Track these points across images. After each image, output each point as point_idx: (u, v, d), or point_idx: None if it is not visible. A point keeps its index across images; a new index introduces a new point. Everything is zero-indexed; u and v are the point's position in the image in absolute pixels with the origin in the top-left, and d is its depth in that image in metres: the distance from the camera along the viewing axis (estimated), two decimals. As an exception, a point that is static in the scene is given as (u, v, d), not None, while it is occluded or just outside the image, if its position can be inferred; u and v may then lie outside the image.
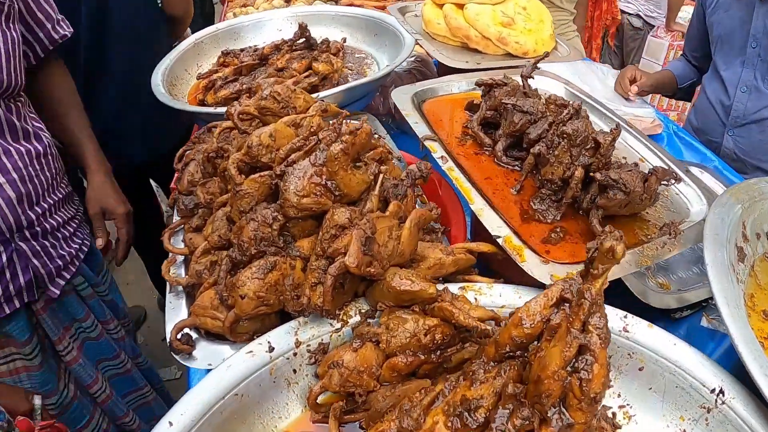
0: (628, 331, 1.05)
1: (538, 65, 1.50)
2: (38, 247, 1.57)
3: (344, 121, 1.13)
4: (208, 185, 1.30)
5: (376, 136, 1.53)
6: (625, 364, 1.05)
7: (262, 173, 1.13)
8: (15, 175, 1.50)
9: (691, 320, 1.49)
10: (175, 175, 1.45)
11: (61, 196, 1.68)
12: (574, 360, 0.82)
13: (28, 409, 1.57)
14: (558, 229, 1.23)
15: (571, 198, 1.24)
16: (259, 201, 1.15)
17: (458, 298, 1.07)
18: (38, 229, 1.58)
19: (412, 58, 2.06)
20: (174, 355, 1.10)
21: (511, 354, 0.94)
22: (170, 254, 1.27)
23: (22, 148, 1.53)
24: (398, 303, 1.06)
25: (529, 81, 1.49)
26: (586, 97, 1.62)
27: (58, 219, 1.66)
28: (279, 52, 1.82)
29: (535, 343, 0.92)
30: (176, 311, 1.18)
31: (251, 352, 1.03)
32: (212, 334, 1.14)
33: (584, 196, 1.26)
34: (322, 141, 1.10)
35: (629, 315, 1.07)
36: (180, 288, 1.24)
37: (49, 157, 1.63)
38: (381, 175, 1.11)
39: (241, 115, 1.24)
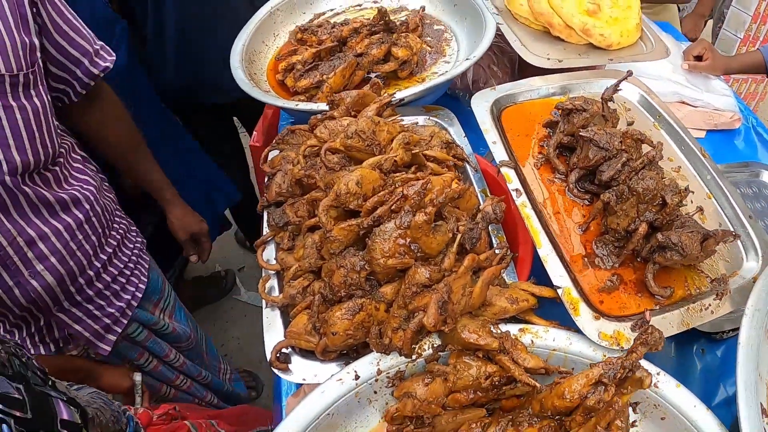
0: (657, 387, 1.27)
1: (615, 72, 1.59)
2: (80, 314, 1.52)
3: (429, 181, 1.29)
4: (296, 206, 1.51)
5: (452, 140, 1.68)
6: (650, 412, 1.30)
7: (350, 222, 1.34)
8: (53, 259, 1.40)
9: (731, 341, 1.71)
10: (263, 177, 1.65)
11: (111, 250, 1.60)
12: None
13: (130, 386, 1.72)
14: (614, 277, 1.43)
15: (631, 250, 1.42)
16: (348, 245, 1.37)
17: (516, 345, 1.32)
18: (80, 297, 1.52)
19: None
20: (273, 370, 1.39)
21: (551, 416, 1.22)
22: (264, 271, 1.52)
23: (60, 225, 1.42)
24: (465, 347, 1.32)
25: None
26: (662, 110, 1.71)
27: (107, 278, 1.60)
28: (357, 35, 1.90)
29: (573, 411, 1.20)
30: (273, 327, 1.45)
31: (341, 380, 1.32)
32: (305, 350, 1.43)
33: (644, 244, 1.43)
34: (406, 201, 1.29)
35: (662, 372, 1.29)
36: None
37: (94, 220, 1.52)
38: (459, 235, 1.31)
39: (329, 151, 1.41)
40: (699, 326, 1.67)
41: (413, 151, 1.48)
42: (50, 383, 1.20)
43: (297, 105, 1.75)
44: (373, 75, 1.90)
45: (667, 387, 1.27)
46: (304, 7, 2.28)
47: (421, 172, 1.49)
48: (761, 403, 1.17)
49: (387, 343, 1.31)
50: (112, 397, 1.78)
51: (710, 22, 3.63)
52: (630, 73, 1.62)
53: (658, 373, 1.27)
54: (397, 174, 1.43)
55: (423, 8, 2.18)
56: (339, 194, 1.35)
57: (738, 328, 1.72)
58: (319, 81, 1.80)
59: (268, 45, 2.14)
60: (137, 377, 1.77)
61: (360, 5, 2.30)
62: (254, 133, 2.13)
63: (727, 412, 1.26)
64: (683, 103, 2.13)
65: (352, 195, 1.35)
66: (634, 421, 1.33)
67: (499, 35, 1.96)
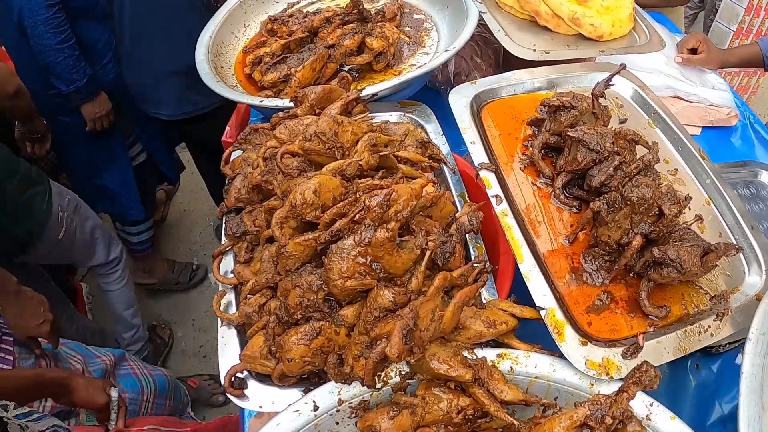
0: (650, 420, 1.06)
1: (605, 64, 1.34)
2: None
3: (393, 194, 1.06)
4: (255, 213, 1.29)
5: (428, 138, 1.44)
6: None
7: (306, 237, 1.12)
8: None
9: (727, 356, 1.49)
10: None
11: None
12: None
13: (105, 402, 1.56)
14: (604, 295, 1.21)
15: (624, 266, 1.19)
16: (305, 261, 1.15)
17: (493, 375, 1.10)
18: None
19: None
20: (229, 396, 1.18)
21: (533, 461, 1.00)
22: (220, 285, 1.30)
23: None
24: (435, 378, 1.09)
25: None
26: (657, 107, 1.47)
27: None
28: (329, 25, 1.65)
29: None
30: (228, 348, 1.25)
31: (298, 411, 1.11)
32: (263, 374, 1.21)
33: (637, 259, 1.20)
34: (368, 214, 1.05)
35: (655, 403, 1.08)
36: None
37: None
38: (428, 253, 1.07)
39: (286, 154, 1.18)
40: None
41: (382, 153, 1.24)
42: None
43: (261, 101, 1.52)
44: (346, 68, 1.66)
45: (662, 419, 1.06)
46: None
47: (390, 176, 1.25)
48: (762, 433, 0.98)
49: (348, 372, 1.10)
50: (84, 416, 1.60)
51: (701, 14, 3.35)
52: (623, 67, 1.38)
53: (651, 404, 1.07)
54: (363, 180, 1.19)
55: (403, -4, 1.92)
56: (294, 205, 1.12)
57: (737, 341, 1.51)
58: (287, 75, 1.56)
59: (237, 36, 1.90)
60: (114, 393, 1.61)
61: (337, -7, 2.02)
62: (227, 128, 1.89)
63: (722, 430, 1.05)
64: (677, 98, 1.89)
65: (309, 205, 1.13)
66: (626, 454, 1.12)
67: (483, 25, 1.72)
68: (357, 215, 1.10)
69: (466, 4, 1.70)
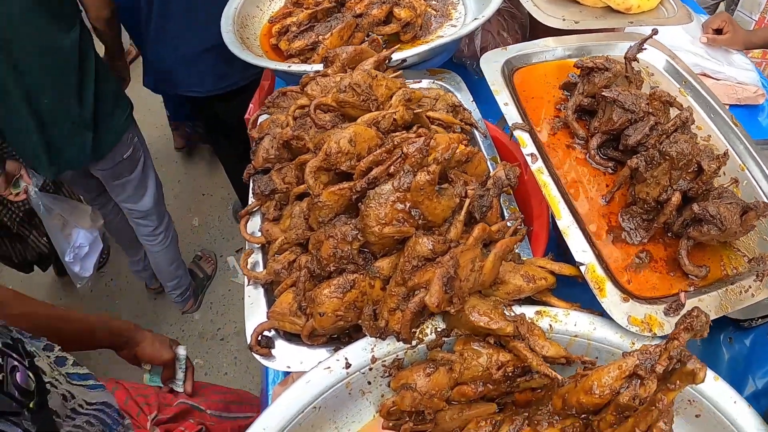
0: None
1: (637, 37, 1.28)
2: None
3: (432, 138, 0.99)
4: (284, 171, 1.23)
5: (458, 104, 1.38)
6: (684, 408, 1.03)
7: (341, 186, 1.05)
8: None
9: (760, 330, 1.42)
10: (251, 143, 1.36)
11: None
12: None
13: (171, 358, 1.49)
14: (643, 254, 1.15)
15: (663, 223, 1.13)
16: (338, 213, 1.08)
17: (533, 331, 1.03)
18: None
19: (502, -4, 1.80)
20: (255, 355, 1.10)
21: (575, 414, 0.92)
22: (247, 244, 1.23)
23: None
24: (474, 332, 1.02)
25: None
26: (689, 75, 1.41)
27: None
28: (357, -5, 1.61)
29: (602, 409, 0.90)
30: (255, 306, 1.18)
31: (329, 368, 1.04)
32: (291, 333, 1.13)
33: (676, 218, 1.14)
34: (406, 161, 0.99)
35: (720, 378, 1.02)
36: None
37: None
38: (467, 201, 1.01)
39: (319, 107, 1.12)
40: (729, 312, 1.40)
41: (415, 110, 1.19)
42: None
43: (290, 67, 1.46)
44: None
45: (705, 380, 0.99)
46: None
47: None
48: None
49: (383, 326, 1.03)
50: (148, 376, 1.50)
51: (722, 5, 3.31)
52: (656, 32, 1.32)
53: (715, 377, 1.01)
54: (397, 134, 1.13)
55: (428, -30, 1.87)
56: (329, 154, 1.06)
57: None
58: (314, 42, 1.51)
59: (262, 10, 1.85)
60: (181, 350, 1.52)
61: (361, -32, 1.97)
62: (250, 106, 1.84)
63: (756, 407, 0.99)
64: (704, 75, 1.83)
65: (344, 154, 1.07)
66: (665, 419, 1.04)
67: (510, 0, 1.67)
68: (394, 164, 1.04)
69: (493, -24, 1.65)
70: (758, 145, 1.67)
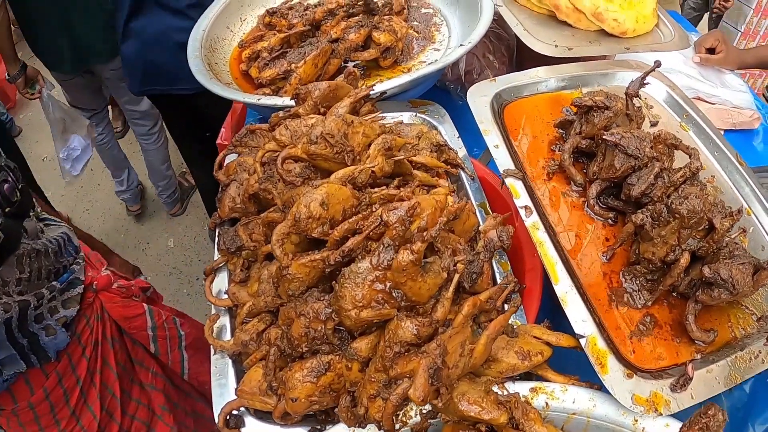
0: None
1: (634, 65, 1.11)
2: None
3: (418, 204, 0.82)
4: (251, 226, 1.05)
5: (442, 141, 1.21)
6: None
7: (313, 257, 0.89)
8: None
9: (762, 374, 1.28)
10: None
11: None
12: None
13: None
14: (647, 319, 0.99)
15: (669, 286, 0.97)
16: (310, 285, 0.91)
17: (528, 414, 0.88)
18: None
19: (488, 15, 1.61)
20: (224, 438, 0.94)
21: None
22: (213, 307, 1.05)
23: None
24: (464, 419, 0.87)
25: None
26: (690, 108, 1.25)
27: None
28: (333, 18, 1.40)
29: None
30: (222, 380, 1.01)
31: (303, 455, 0.88)
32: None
33: (683, 278, 0.98)
34: (386, 232, 0.82)
35: None
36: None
37: None
38: (456, 276, 0.84)
39: (287, 161, 0.94)
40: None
41: (396, 158, 1.01)
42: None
43: (259, 99, 1.27)
44: (351, 64, 1.41)
45: None
46: None
47: (407, 185, 1.01)
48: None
49: (362, 414, 0.87)
50: None
51: (705, 15, 3.14)
52: (658, 64, 1.16)
53: None
54: (376, 189, 0.96)
55: (410, -11, 1.68)
56: (298, 219, 0.89)
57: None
58: (286, 71, 1.32)
59: (233, 31, 1.65)
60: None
61: (338, -14, 1.77)
62: (222, 130, 1.64)
63: None
64: (699, 99, 1.67)
65: (315, 220, 0.89)
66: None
67: (496, 20, 1.48)
68: (372, 231, 0.86)
69: (480, -1, 1.47)
70: (757, 173, 1.54)
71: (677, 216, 0.96)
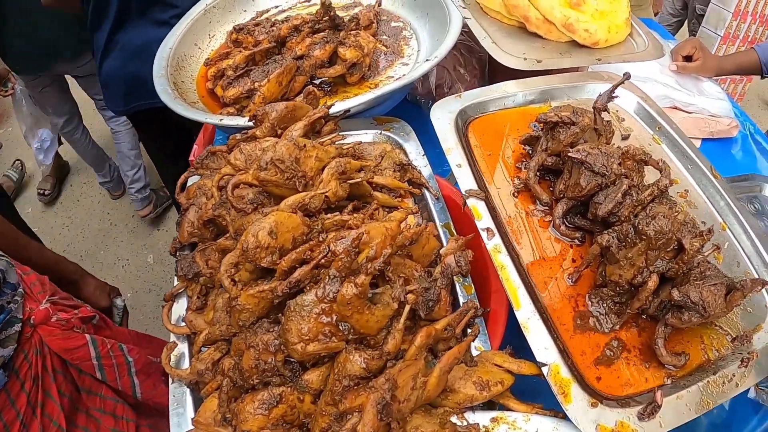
0: None
1: (605, 75, 1.06)
2: None
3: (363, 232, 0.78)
4: (208, 252, 1.01)
5: (408, 159, 1.17)
6: None
7: (261, 288, 0.85)
8: None
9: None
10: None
11: None
12: None
13: (107, 305, 1.53)
14: (615, 343, 0.95)
15: (637, 309, 0.92)
16: (261, 316, 0.87)
17: (489, 447, 0.82)
18: None
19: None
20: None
21: None
22: (171, 335, 1.01)
23: None
24: (419, 454, 0.82)
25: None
26: (662, 119, 1.20)
27: None
28: (298, 34, 1.36)
29: None
30: (180, 408, 0.97)
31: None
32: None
33: (651, 301, 0.93)
34: (332, 264, 0.78)
35: None
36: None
37: None
38: (407, 307, 0.80)
39: (236, 188, 0.89)
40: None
41: (352, 181, 0.96)
42: None
43: (221, 120, 1.23)
44: (317, 81, 1.37)
45: None
46: (244, 4, 1.72)
47: (363, 208, 0.97)
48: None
49: (315, 449, 0.82)
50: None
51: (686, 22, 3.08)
52: (628, 76, 1.11)
53: None
54: (329, 216, 0.92)
55: (379, 3, 1.65)
56: (246, 249, 0.85)
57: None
58: (250, 90, 1.27)
59: (201, 48, 1.61)
60: (119, 301, 1.61)
61: (309, 1, 1.74)
62: (194, 147, 1.60)
63: None
64: (675, 108, 1.62)
65: (264, 249, 0.85)
66: None
67: (467, 32, 1.44)
68: (320, 261, 0.82)
69: (449, 10, 1.42)
70: (733, 181, 1.48)
71: (644, 237, 0.91)
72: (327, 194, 0.93)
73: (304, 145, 0.95)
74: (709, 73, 1.73)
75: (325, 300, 0.79)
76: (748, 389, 1.25)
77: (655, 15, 2.44)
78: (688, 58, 1.74)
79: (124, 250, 3.24)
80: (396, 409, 0.78)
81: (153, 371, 1.37)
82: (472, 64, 1.56)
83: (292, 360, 0.88)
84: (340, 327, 0.79)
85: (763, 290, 1.07)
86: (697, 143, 1.64)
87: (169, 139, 2.29)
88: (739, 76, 2.49)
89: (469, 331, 0.96)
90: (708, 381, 0.92)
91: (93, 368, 1.25)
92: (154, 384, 1.36)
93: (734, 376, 0.93)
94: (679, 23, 3.22)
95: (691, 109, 1.60)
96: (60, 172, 3.70)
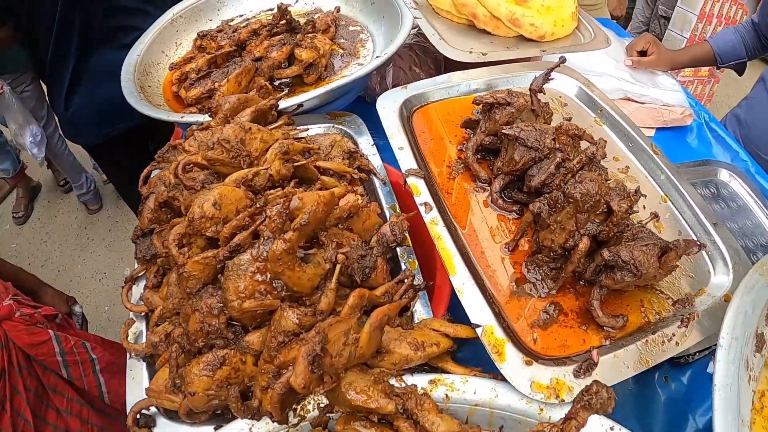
0: None
1: (551, 75, 1.16)
2: None
3: (295, 197, 0.86)
4: (164, 234, 1.09)
5: (357, 149, 1.26)
6: None
7: (206, 254, 0.92)
8: None
9: (697, 365, 1.27)
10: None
11: None
12: None
13: (66, 311, 1.61)
14: (551, 307, 1.00)
15: (572, 272, 0.99)
16: (206, 283, 0.94)
17: (423, 405, 0.88)
18: None
19: (414, 31, 1.68)
20: (133, 439, 0.97)
21: None
22: (130, 312, 1.09)
23: None
24: (355, 411, 0.88)
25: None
26: (605, 103, 1.29)
27: None
28: (257, 38, 1.48)
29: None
30: (136, 381, 1.04)
31: (202, 453, 0.89)
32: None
33: (587, 264, 1.00)
34: (267, 227, 0.86)
35: (616, 426, 0.86)
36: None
37: None
38: (338, 267, 0.87)
39: (186, 167, 0.98)
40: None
41: (297, 163, 1.05)
42: None
43: (182, 117, 1.33)
44: (276, 82, 1.48)
45: None
46: (210, 13, 1.85)
47: (305, 187, 1.05)
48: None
49: (256, 407, 0.88)
50: None
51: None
52: (563, 60, 1.20)
53: (611, 428, 0.86)
54: (273, 192, 1.00)
55: (338, 9, 1.76)
56: (192, 219, 0.93)
57: (707, 349, 1.30)
58: (210, 90, 1.38)
59: (168, 55, 1.72)
60: (77, 308, 1.72)
61: (272, 10, 1.85)
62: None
63: None
64: (628, 99, 1.71)
65: (209, 219, 0.93)
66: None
67: (422, 34, 1.55)
68: (259, 226, 0.90)
69: (401, 11, 1.53)
70: (689, 167, 1.56)
71: (572, 200, 0.97)
72: (271, 173, 1.02)
73: (250, 128, 1.04)
74: (664, 67, 1.82)
75: (260, 259, 0.86)
76: (707, 365, 1.31)
77: (617, 19, 2.55)
78: (642, 53, 1.84)
79: (101, 264, 3.37)
80: (328, 363, 0.84)
81: (117, 370, 1.43)
82: (428, 64, 1.66)
83: (235, 324, 0.95)
84: (274, 284, 0.87)
85: (705, 255, 1.14)
86: (652, 132, 1.71)
87: (131, 165, 2.35)
88: (707, 78, 2.59)
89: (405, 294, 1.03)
90: (647, 340, 0.96)
91: (58, 364, 1.31)
92: (119, 383, 1.42)
93: (674, 335, 0.97)
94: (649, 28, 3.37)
95: (644, 100, 1.68)
96: (32, 193, 3.93)
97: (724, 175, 1.52)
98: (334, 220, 0.98)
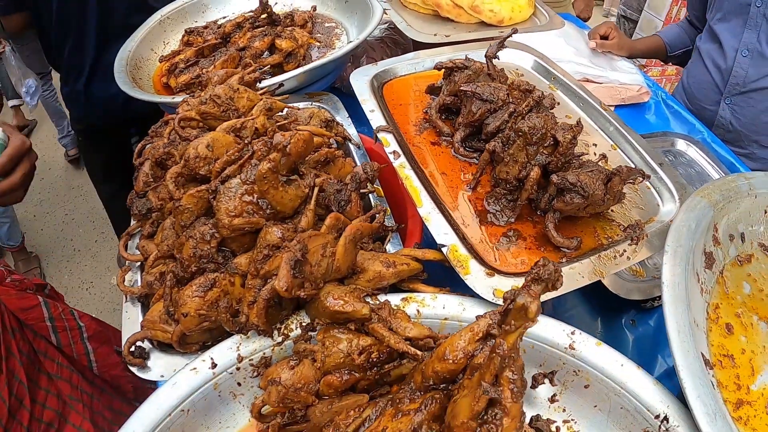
0: (574, 349, 0.99)
1: (505, 44, 1.37)
2: None
3: (277, 130, 1.04)
4: (159, 189, 1.25)
5: (335, 119, 1.45)
6: (571, 381, 1.01)
7: (199, 188, 1.08)
8: None
9: (662, 310, 1.42)
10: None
11: None
12: (484, 412, 0.78)
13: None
14: (511, 233, 1.16)
15: (526, 199, 1.16)
16: (199, 215, 1.10)
17: (396, 315, 1.03)
18: None
19: (385, 25, 1.92)
20: (129, 367, 1.10)
21: (435, 386, 0.91)
22: (126, 262, 1.25)
23: None
24: (334, 320, 1.03)
25: (499, 55, 1.37)
26: (558, 72, 1.49)
27: None
28: (241, 30, 1.70)
29: (461, 376, 0.90)
30: (132, 321, 1.17)
31: (195, 369, 1.02)
32: (166, 344, 1.13)
33: (542, 195, 1.18)
34: (254, 155, 1.03)
35: (577, 331, 1.01)
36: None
37: None
38: (316, 189, 1.05)
39: (182, 122, 1.17)
40: (625, 295, 1.40)
41: (279, 123, 1.24)
42: None
43: (173, 98, 1.52)
44: (259, 71, 1.69)
45: (586, 347, 0.99)
46: (195, 15, 2.07)
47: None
48: (702, 354, 0.89)
49: (243, 322, 1.02)
50: None
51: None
52: (515, 30, 1.40)
53: (572, 333, 1.00)
54: (258, 139, 1.18)
55: (314, 8, 1.98)
56: (187, 159, 1.10)
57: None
58: (198, 75, 1.58)
59: (156, 52, 1.93)
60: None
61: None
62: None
63: (669, 385, 0.97)
64: (587, 81, 1.92)
65: (202, 159, 1.10)
66: (554, 395, 1.04)
67: (393, 28, 1.77)
68: (245, 161, 1.08)
69: (372, 5, 1.74)
70: (647, 137, 1.76)
71: (521, 134, 1.15)
72: (256, 125, 1.20)
73: (238, 89, 1.23)
74: (624, 52, 2.06)
75: (248, 182, 1.03)
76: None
77: (585, 20, 2.81)
78: (604, 38, 2.09)
79: (87, 274, 3.53)
80: (308, 271, 1.00)
81: (105, 340, 1.54)
82: (398, 54, 1.88)
83: (225, 249, 1.11)
84: (260, 204, 1.03)
85: (654, 191, 1.30)
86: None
87: (111, 157, 2.56)
88: (675, 75, 2.85)
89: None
90: (600, 255, 1.09)
91: (47, 330, 1.42)
92: (108, 353, 1.53)
93: (625, 251, 1.11)
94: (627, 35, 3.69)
95: (602, 81, 1.89)
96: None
97: (681, 144, 1.71)
98: (312, 163, 1.16)
